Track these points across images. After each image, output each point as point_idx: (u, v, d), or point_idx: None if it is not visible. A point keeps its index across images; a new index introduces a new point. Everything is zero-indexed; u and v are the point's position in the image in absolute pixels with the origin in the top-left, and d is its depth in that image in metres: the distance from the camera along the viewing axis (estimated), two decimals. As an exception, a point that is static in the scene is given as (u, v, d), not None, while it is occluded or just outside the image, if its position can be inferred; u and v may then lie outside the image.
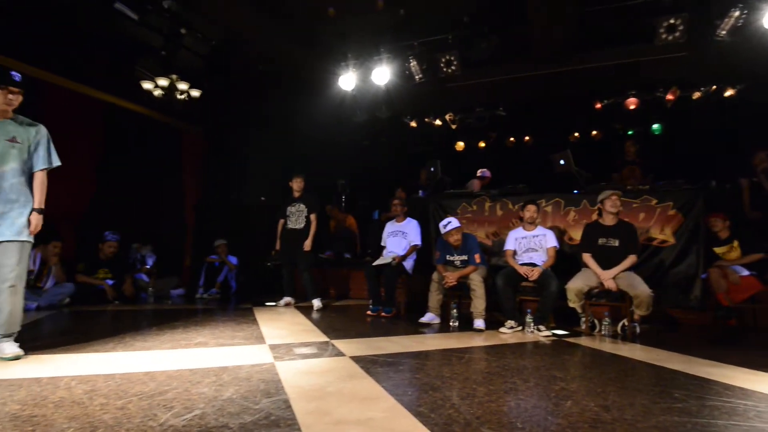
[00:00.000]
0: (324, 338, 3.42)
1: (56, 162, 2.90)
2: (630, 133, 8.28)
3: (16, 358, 2.58)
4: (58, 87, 5.47)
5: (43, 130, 2.87)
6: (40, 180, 2.82)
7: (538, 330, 3.87)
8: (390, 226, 5.30)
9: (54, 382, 2.15)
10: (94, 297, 5.21)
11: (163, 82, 5.82)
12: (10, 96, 2.73)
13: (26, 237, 2.71)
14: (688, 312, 4.61)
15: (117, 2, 4.48)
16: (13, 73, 2.75)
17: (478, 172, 7.12)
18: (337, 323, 4.20)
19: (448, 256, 4.54)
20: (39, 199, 2.79)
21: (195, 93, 6.03)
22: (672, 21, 4.56)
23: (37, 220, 2.75)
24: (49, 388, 2.06)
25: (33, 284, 4.79)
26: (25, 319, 3.89)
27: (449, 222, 4.45)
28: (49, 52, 5.26)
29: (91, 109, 5.86)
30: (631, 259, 3.92)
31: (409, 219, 5.22)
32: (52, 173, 2.90)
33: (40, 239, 4.94)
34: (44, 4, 4.23)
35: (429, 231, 5.96)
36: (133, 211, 6.30)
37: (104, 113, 6.14)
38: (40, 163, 2.82)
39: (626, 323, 3.91)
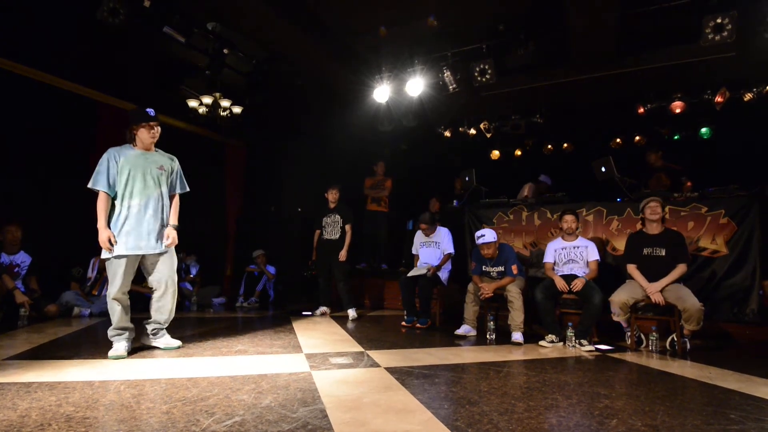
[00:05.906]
0: (359, 348, 3.44)
1: (186, 188, 3.33)
2: (676, 137, 7.91)
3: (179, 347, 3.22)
4: (110, 106, 5.82)
5: (177, 162, 3.35)
6: (175, 202, 3.31)
7: (580, 344, 3.73)
8: (421, 236, 5.23)
9: (105, 386, 2.27)
10: (142, 304, 5.46)
11: (208, 99, 6.08)
12: (153, 131, 3.11)
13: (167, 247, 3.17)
14: (743, 327, 4.32)
15: (165, 26, 4.72)
16: (149, 110, 3.09)
17: (540, 177, 6.87)
18: (372, 333, 4.21)
19: (484, 266, 4.46)
20: (174, 217, 3.27)
21: (237, 109, 6.27)
22: (719, 20, 4.33)
23: (174, 234, 3.19)
24: (100, 391, 2.17)
25: (88, 292, 5.09)
26: (80, 326, 4.16)
27: (483, 235, 4.36)
28: (101, 73, 5.62)
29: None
30: (680, 269, 3.71)
31: (439, 228, 5.15)
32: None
33: (96, 250, 5.27)
34: (97, 29, 4.51)
35: (464, 241, 5.91)
36: (179, 222, 6.60)
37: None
38: (177, 188, 3.31)
39: (675, 338, 3.71)
